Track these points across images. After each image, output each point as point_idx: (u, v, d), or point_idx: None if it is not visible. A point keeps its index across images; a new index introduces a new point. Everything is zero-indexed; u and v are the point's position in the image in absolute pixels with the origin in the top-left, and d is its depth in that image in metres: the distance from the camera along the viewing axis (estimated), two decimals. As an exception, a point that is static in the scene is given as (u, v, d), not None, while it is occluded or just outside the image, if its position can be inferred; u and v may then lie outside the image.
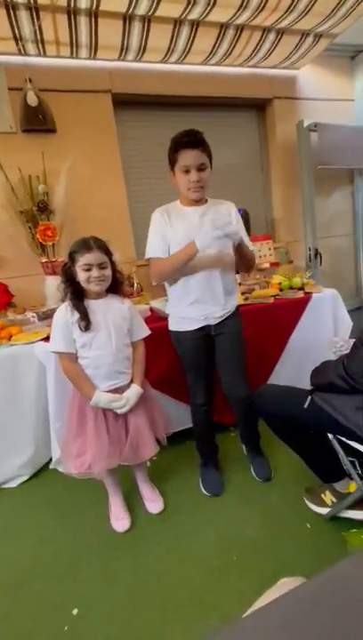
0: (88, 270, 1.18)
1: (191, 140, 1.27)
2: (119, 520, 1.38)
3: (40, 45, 1.87)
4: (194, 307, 1.39)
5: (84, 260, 1.17)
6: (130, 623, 1.03)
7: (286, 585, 0.54)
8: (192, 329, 1.41)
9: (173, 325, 1.47)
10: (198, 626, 0.99)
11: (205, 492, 1.50)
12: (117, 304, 1.29)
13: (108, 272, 1.22)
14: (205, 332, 1.42)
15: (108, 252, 1.22)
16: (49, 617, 1.07)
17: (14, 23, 1.69)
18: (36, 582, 1.19)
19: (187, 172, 1.28)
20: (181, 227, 1.34)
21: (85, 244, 1.19)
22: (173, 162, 1.32)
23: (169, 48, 2.05)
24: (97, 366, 1.25)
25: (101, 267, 1.20)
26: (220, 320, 1.42)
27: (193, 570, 1.17)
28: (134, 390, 1.28)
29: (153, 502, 1.44)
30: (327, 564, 0.43)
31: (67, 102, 2.11)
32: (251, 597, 0.52)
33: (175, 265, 1.31)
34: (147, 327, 1.33)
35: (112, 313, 1.26)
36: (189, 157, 1.27)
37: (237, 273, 2.24)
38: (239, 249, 1.36)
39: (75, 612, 1.07)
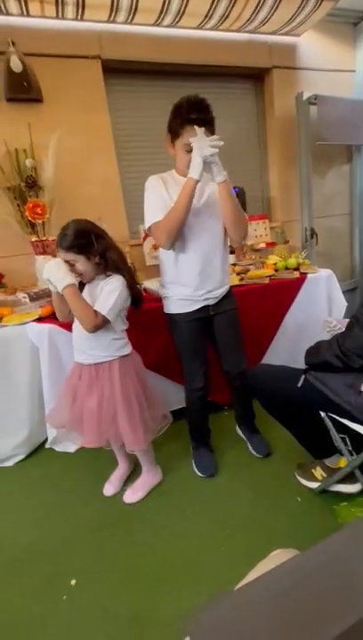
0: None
1: (201, 117, 1.18)
2: (108, 484, 1.48)
3: (22, 3, 1.73)
4: (192, 287, 1.35)
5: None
6: (126, 593, 1.07)
7: (278, 556, 0.55)
8: (192, 310, 1.38)
9: (171, 308, 1.42)
10: (192, 596, 1.03)
11: (199, 473, 1.52)
12: (100, 283, 1.24)
13: (81, 267, 1.19)
14: (203, 312, 1.40)
15: (79, 246, 1.17)
16: (48, 588, 1.10)
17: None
18: (34, 557, 1.22)
19: (190, 150, 1.19)
20: (177, 195, 1.25)
21: (57, 241, 1.19)
22: (174, 133, 1.24)
23: (162, 9, 1.92)
24: (74, 337, 1.31)
25: (70, 264, 1.19)
26: (218, 300, 1.41)
27: (187, 543, 1.21)
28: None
29: (131, 491, 1.43)
30: (316, 535, 0.44)
31: (53, 69, 1.98)
32: (243, 568, 0.53)
33: (180, 212, 1.21)
34: (109, 306, 1.18)
35: (95, 294, 1.24)
36: (194, 136, 1.18)
37: (232, 253, 2.22)
38: (225, 199, 1.27)
39: (73, 582, 1.11)
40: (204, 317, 1.41)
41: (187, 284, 1.36)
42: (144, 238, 2.25)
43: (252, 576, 0.50)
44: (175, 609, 1.00)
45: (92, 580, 1.12)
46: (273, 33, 2.35)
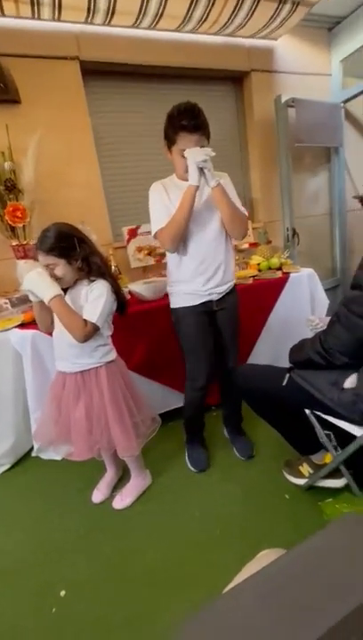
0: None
1: (192, 123, 1.22)
2: (96, 491, 1.46)
3: (-4, 3, 1.69)
4: (196, 284, 1.39)
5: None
6: (118, 602, 1.05)
7: (265, 557, 0.56)
8: (196, 304, 1.41)
9: (176, 302, 1.45)
10: (185, 601, 1.02)
11: (191, 467, 1.55)
12: (84, 289, 1.21)
13: (59, 271, 1.16)
14: (207, 307, 1.42)
15: (60, 249, 1.14)
16: (37, 600, 1.08)
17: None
18: (23, 568, 1.19)
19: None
20: (179, 200, 1.30)
21: (37, 244, 1.16)
22: (170, 140, 1.28)
23: (140, 10, 1.91)
24: (56, 345, 1.28)
25: (50, 267, 1.16)
26: (222, 295, 1.43)
27: (177, 546, 1.21)
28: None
29: (120, 497, 1.42)
30: (305, 532, 0.45)
31: (31, 70, 1.94)
32: (234, 570, 0.53)
33: (182, 217, 1.28)
34: (98, 313, 1.16)
35: (78, 300, 1.21)
36: (189, 142, 1.24)
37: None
38: (220, 203, 1.32)
39: (62, 593, 1.09)
40: (208, 312, 1.43)
41: (191, 281, 1.39)
42: (128, 241, 2.24)
43: (239, 578, 0.51)
44: (169, 615, 0.99)
45: (82, 589, 1.10)
46: (251, 37, 2.39)
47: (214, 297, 1.42)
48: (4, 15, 1.78)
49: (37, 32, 1.93)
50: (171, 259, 1.43)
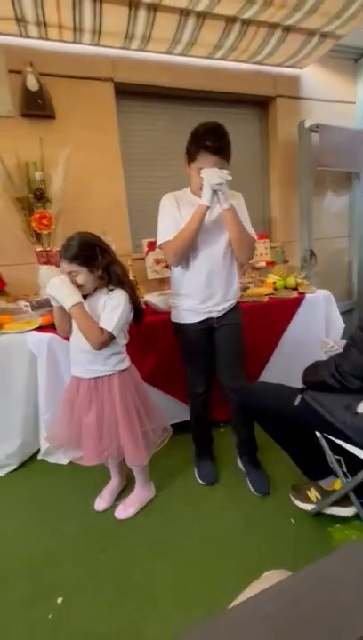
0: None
1: (215, 145, 1.24)
2: (99, 499, 1.46)
3: (43, 28, 1.82)
4: (198, 299, 1.40)
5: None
6: (114, 613, 1.04)
7: (270, 578, 0.55)
8: (195, 321, 1.42)
9: (176, 317, 1.48)
10: (181, 617, 1.00)
11: (200, 480, 1.54)
12: (103, 297, 1.23)
13: (81, 279, 1.19)
14: (207, 324, 1.43)
15: (83, 257, 1.18)
16: (33, 605, 1.07)
17: (16, 3, 1.64)
18: (21, 572, 1.19)
19: None
20: (190, 215, 1.31)
21: (61, 251, 1.20)
22: (190, 156, 1.30)
23: (174, 38, 2.02)
24: (72, 350, 1.31)
25: (72, 275, 1.20)
26: (222, 313, 1.43)
27: (177, 562, 1.18)
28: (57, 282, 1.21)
29: (123, 507, 1.41)
30: (309, 558, 0.44)
31: (67, 88, 2.07)
32: (234, 589, 0.53)
33: (190, 234, 1.29)
34: (114, 322, 1.18)
35: (96, 308, 1.24)
36: (208, 162, 1.25)
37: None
38: (229, 224, 1.32)
39: (59, 600, 1.08)
40: (208, 328, 1.44)
41: (193, 296, 1.40)
42: (147, 252, 2.29)
43: (244, 596, 0.50)
44: (164, 630, 0.97)
45: (79, 597, 1.09)
46: (278, 65, 2.47)
47: (215, 314, 1.42)
48: (48, 39, 1.92)
49: (76, 55, 2.05)
50: (175, 272, 1.44)
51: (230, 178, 1.25)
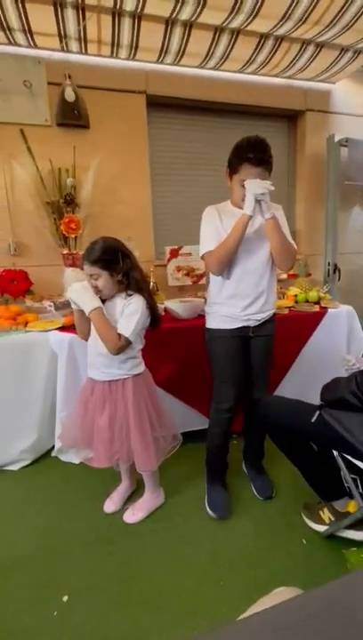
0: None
1: (258, 158, 1.27)
2: (109, 501, 1.47)
3: (82, 44, 1.92)
4: (237, 307, 1.39)
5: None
6: (118, 616, 1.04)
7: (281, 594, 0.54)
8: (232, 327, 1.40)
9: (212, 323, 1.45)
10: (185, 626, 0.99)
11: (210, 512, 1.41)
12: (121, 302, 1.25)
13: (101, 282, 1.21)
14: (243, 332, 1.41)
15: (105, 261, 1.20)
16: (39, 601, 1.09)
17: (60, 21, 1.74)
18: (29, 566, 1.21)
19: (244, 186, 1.28)
20: (231, 226, 1.32)
21: (84, 254, 1.23)
22: (233, 168, 1.33)
23: (207, 54, 2.07)
24: (89, 353, 1.33)
25: (93, 278, 1.22)
26: (259, 322, 1.42)
27: (185, 571, 1.17)
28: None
29: (132, 511, 1.41)
30: (320, 579, 0.44)
31: (101, 100, 2.15)
32: (240, 604, 0.52)
33: (232, 243, 1.30)
34: (132, 328, 1.21)
35: (113, 312, 1.26)
36: (251, 174, 1.27)
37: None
38: (271, 234, 1.34)
39: (65, 598, 1.09)
40: (242, 337, 1.42)
41: (232, 304, 1.40)
42: (169, 260, 2.32)
43: (253, 610, 0.49)
44: (168, 638, 0.96)
45: (85, 597, 1.10)
46: (310, 79, 2.48)
47: (252, 323, 1.41)
48: (87, 54, 2.01)
49: (112, 68, 2.14)
50: (214, 280, 1.44)
51: (273, 188, 1.27)
